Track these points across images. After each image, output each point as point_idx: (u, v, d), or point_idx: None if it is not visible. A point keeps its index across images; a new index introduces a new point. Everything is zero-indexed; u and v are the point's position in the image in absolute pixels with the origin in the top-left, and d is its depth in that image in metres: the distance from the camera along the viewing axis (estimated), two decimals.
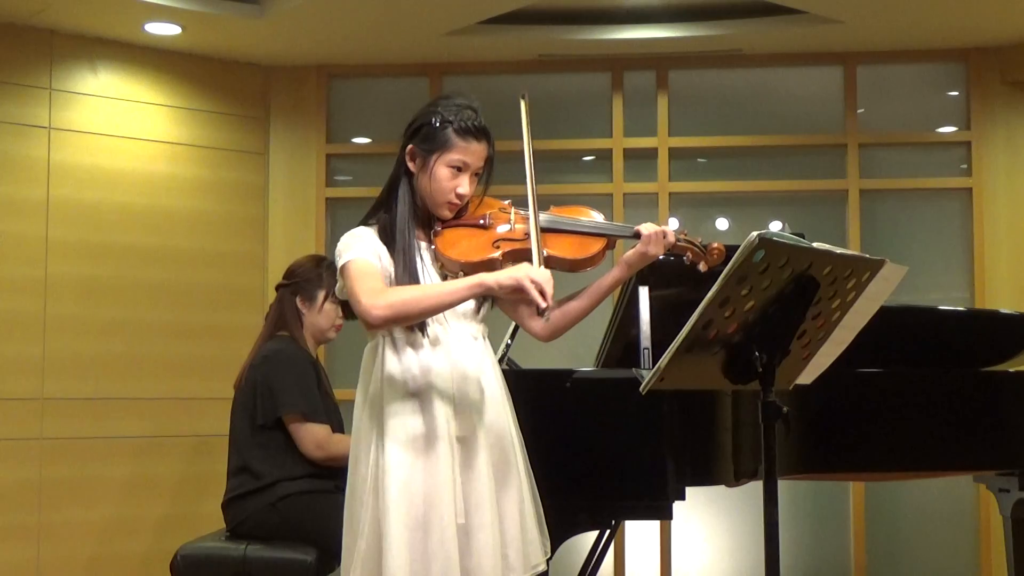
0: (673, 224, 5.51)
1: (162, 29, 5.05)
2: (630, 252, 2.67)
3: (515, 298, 2.58)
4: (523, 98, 2.74)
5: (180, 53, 5.33)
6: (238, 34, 5.13)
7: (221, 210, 5.43)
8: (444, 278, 2.66)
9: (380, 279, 2.57)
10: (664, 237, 2.65)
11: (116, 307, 5.11)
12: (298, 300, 3.93)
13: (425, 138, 2.67)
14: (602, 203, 5.44)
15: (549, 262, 2.61)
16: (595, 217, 2.75)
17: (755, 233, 2.12)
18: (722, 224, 5.64)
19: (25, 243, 4.94)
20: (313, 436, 3.73)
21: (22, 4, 4.77)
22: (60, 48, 5.06)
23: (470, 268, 2.63)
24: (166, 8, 4.81)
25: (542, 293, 2.45)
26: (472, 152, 2.67)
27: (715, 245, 2.69)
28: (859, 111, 5.50)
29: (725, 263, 2.20)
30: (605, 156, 5.58)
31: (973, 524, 5.31)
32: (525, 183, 2.67)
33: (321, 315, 3.93)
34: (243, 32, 5.09)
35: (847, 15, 4.98)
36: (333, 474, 3.69)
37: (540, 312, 2.46)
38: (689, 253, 2.69)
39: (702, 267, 2.69)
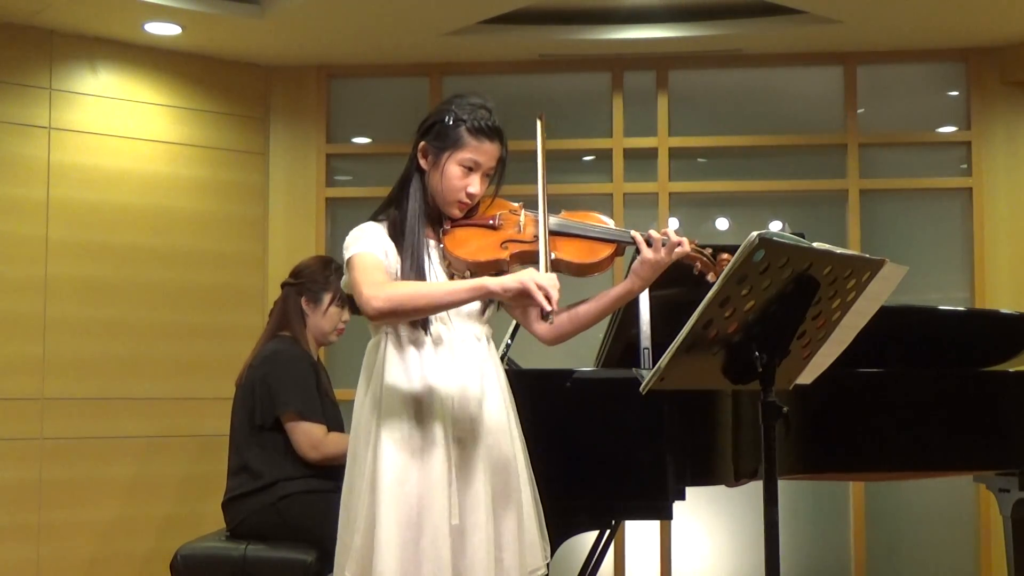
0: (673, 224, 5.52)
1: (162, 29, 5.05)
2: (635, 262, 2.64)
3: (520, 303, 2.56)
4: (540, 119, 2.72)
5: (180, 53, 5.33)
6: (238, 34, 5.12)
7: (221, 210, 5.43)
8: (451, 277, 2.65)
9: (384, 273, 2.56)
10: (672, 244, 2.61)
11: (116, 307, 5.11)
12: (303, 301, 3.92)
13: (438, 136, 2.66)
14: (602, 203, 5.45)
15: (557, 266, 2.61)
16: (606, 223, 2.72)
17: (755, 233, 2.12)
18: (722, 224, 5.64)
19: (25, 243, 4.94)
20: (308, 436, 3.72)
21: (22, 4, 4.77)
22: (60, 48, 5.06)
23: (477, 268, 2.61)
24: (166, 8, 4.81)
25: (548, 297, 2.42)
26: (484, 152, 2.65)
27: (724, 256, 2.63)
28: (859, 111, 5.50)
29: None
30: (605, 156, 5.57)
31: (973, 524, 5.31)
32: (536, 189, 2.65)
33: (325, 318, 3.92)
34: (243, 32, 5.09)
35: (847, 15, 4.98)
36: (333, 474, 3.67)
37: (545, 316, 2.44)
38: (698, 263, 2.66)
39: (710, 278, 2.63)
